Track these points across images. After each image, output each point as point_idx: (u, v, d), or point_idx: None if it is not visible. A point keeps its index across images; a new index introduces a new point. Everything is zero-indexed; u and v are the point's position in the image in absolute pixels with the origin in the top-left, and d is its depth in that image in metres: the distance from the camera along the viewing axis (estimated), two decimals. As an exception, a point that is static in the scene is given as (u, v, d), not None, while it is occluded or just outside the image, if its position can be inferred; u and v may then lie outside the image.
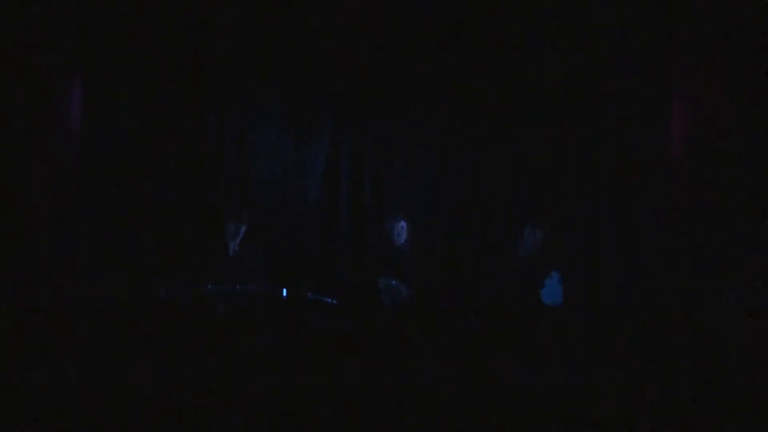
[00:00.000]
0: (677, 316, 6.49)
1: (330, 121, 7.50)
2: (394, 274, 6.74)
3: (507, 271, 6.75)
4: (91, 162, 6.88)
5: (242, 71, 7.31)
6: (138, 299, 6.74)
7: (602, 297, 6.90)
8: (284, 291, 6.28)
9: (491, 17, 6.94)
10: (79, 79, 6.76)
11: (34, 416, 4.86)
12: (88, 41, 6.67)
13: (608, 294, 6.91)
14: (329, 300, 6.55)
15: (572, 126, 7.29)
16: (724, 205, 6.28)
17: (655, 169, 6.94)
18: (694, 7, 6.40)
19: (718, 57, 6.40)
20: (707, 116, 6.44)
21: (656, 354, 6.45)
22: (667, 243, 6.74)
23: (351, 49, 7.22)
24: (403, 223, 6.86)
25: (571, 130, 7.29)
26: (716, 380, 5.49)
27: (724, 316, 6.10)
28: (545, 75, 7.22)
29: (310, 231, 7.43)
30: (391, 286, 6.66)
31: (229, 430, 4.77)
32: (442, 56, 7.22)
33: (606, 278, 7.03)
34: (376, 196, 7.49)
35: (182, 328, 6.37)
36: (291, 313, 6.55)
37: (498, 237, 7.32)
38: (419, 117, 7.48)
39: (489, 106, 7.37)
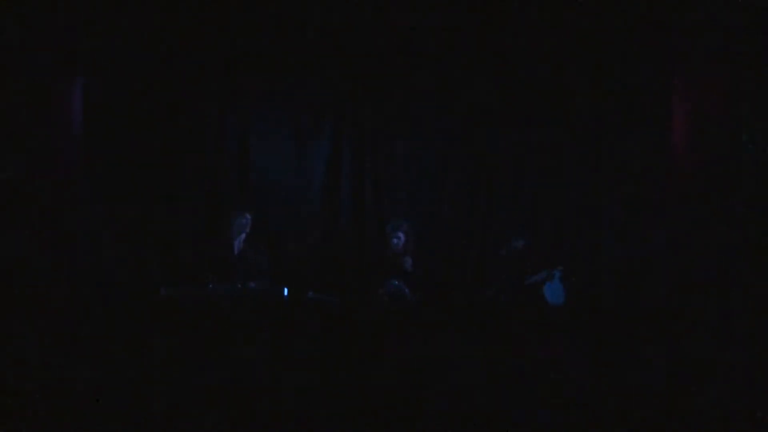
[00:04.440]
0: (678, 316, 6.49)
1: (331, 121, 7.51)
2: (395, 276, 6.74)
3: (507, 271, 6.77)
4: (92, 162, 6.89)
5: (244, 71, 7.31)
6: (138, 298, 6.75)
7: (603, 297, 6.89)
8: (285, 290, 6.28)
9: (491, 17, 6.93)
10: (79, 79, 6.76)
11: (35, 416, 4.87)
12: (88, 41, 6.67)
13: (608, 294, 6.91)
14: (329, 299, 6.55)
15: (573, 127, 7.28)
16: (724, 204, 6.27)
17: (655, 169, 6.94)
18: (694, 7, 6.39)
19: (718, 56, 6.39)
20: (708, 116, 6.43)
21: (658, 354, 6.47)
22: (668, 243, 6.74)
23: (352, 50, 7.21)
24: (401, 234, 6.84)
25: (571, 130, 7.29)
26: (716, 380, 5.50)
27: (724, 316, 6.10)
28: (546, 76, 7.21)
29: (311, 230, 7.43)
30: (394, 286, 6.66)
31: (229, 429, 4.77)
32: (443, 58, 7.22)
33: (606, 278, 7.03)
34: (377, 196, 7.49)
35: (183, 327, 6.37)
36: (291, 312, 6.55)
37: (499, 238, 7.32)
38: (420, 117, 7.48)
39: (489, 106, 7.36)
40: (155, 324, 6.53)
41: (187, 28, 6.95)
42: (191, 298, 6.26)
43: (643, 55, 6.86)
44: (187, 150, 7.30)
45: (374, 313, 6.64)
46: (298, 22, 6.94)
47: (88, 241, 6.82)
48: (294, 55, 7.19)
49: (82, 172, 6.78)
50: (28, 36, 6.26)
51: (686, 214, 6.49)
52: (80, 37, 6.57)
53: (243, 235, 6.77)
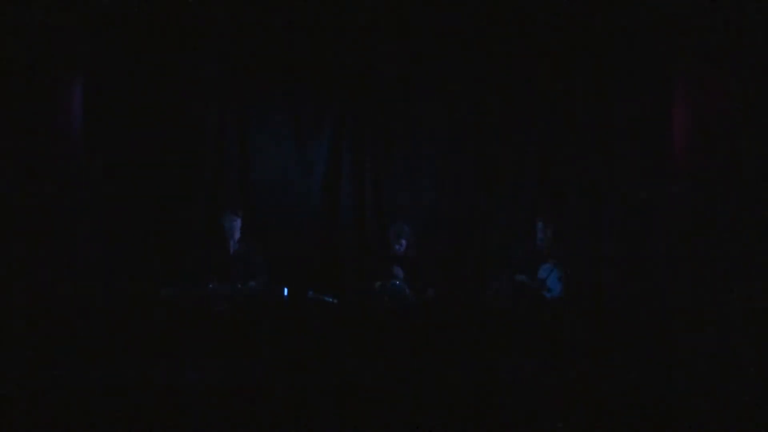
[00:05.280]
0: (678, 314, 6.51)
1: (331, 122, 7.51)
2: (396, 276, 6.74)
3: (507, 271, 6.78)
4: (92, 162, 6.89)
5: (244, 72, 7.32)
6: (138, 299, 6.75)
7: (603, 292, 6.89)
8: (285, 290, 6.28)
9: (491, 19, 6.94)
10: (79, 79, 6.76)
11: (35, 416, 4.86)
12: (88, 41, 6.67)
13: (608, 289, 6.91)
14: (329, 299, 6.56)
15: (573, 127, 7.28)
16: (725, 203, 6.29)
17: (655, 169, 6.94)
18: (695, 7, 6.39)
19: (719, 56, 6.40)
20: (708, 115, 6.44)
21: (657, 351, 6.48)
22: (668, 242, 6.75)
23: (352, 50, 7.21)
24: (403, 240, 6.86)
25: (572, 130, 7.29)
26: (716, 378, 5.50)
27: (726, 315, 6.11)
28: (546, 76, 7.21)
29: (311, 230, 7.43)
30: (395, 287, 6.66)
31: (229, 430, 4.77)
32: (443, 58, 7.22)
33: (606, 274, 7.02)
34: (376, 196, 7.49)
35: (182, 328, 6.38)
36: (291, 312, 6.56)
37: (499, 238, 7.32)
38: (420, 118, 7.48)
39: (490, 106, 7.36)
40: (155, 324, 6.55)
41: (187, 28, 6.96)
42: (191, 298, 6.27)
43: (643, 56, 6.86)
44: (187, 150, 7.30)
45: (374, 313, 6.66)
46: (299, 22, 6.94)
47: (88, 241, 6.83)
48: (294, 55, 7.19)
49: (82, 172, 6.79)
50: (28, 36, 6.27)
51: (686, 213, 6.50)
52: (80, 37, 6.58)
53: (237, 235, 6.78)
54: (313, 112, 7.49)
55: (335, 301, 6.61)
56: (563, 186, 7.28)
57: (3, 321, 6.08)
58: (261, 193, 7.39)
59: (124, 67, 6.95)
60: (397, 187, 7.46)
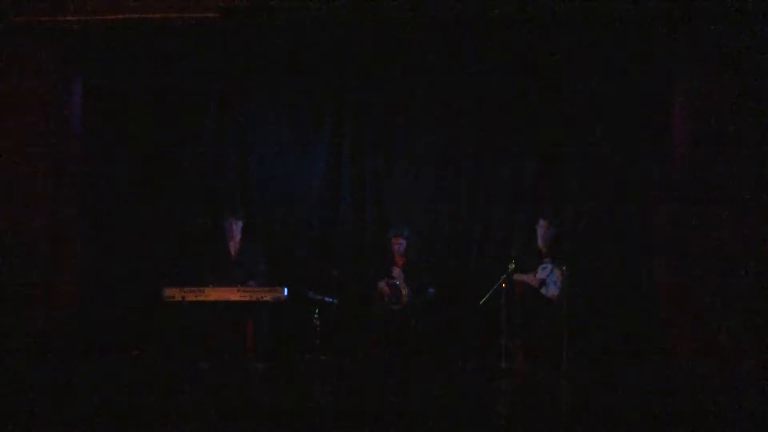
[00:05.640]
0: (677, 314, 6.52)
1: (331, 122, 7.50)
2: (396, 276, 6.74)
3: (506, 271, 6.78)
4: (93, 162, 6.91)
5: (244, 72, 7.32)
6: (138, 299, 6.76)
7: (602, 292, 6.89)
8: (285, 290, 6.29)
9: (492, 20, 6.93)
10: (79, 79, 6.78)
11: (35, 416, 4.87)
12: (88, 41, 6.68)
13: (608, 289, 6.92)
14: (329, 299, 6.56)
15: (573, 127, 7.28)
16: (725, 203, 6.30)
17: (655, 168, 6.96)
18: (695, 7, 6.40)
19: (718, 59, 6.41)
20: (708, 115, 6.45)
21: (657, 352, 6.49)
22: (668, 242, 6.77)
23: (352, 51, 7.22)
24: (403, 241, 6.86)
25: (571, 130, 7.29)
26: (716, 378, 5.51)
27: (725, 315, 6.13)
28: (547, 76, 7.21)
29: (311, 230, 7.43)
30: (395, 287, 6.67)
31: (229, 429, 4.77)
32: (444, 61, 7.22)
33: (606, 274, 7.03)
34: (377, 196, 7.49)
35: (183, 328, 6.39)
36: (291, 312, 6.57)
37: (499, 238, 7.32)
38: (421, 118, 7.47)
39: (490, 107, 7.36)
40: (155, 324, 6.56)
41: (187, 29, 6.96)
42: (191, 298, 6.27)
43: (643, 57, 6.87)
44: (187, 152, 7.30)
45: (374, 313, 6.67)
46: (298, 22, 6.94)
47: (88, 241, 6.85)
48: (294, 55, 7.19)
49: (83, 172, 6.80)
50: (29, 36, 6.29)
51: (686, 213, 6.51)
52: (80, 37, 6.59)
53: (238, 237, 6.78)
54: (313, 112, 7.49)
55: (335, 301, 6.62)
56: (563, 186, 7.29)
57: (3, 321, 6.09)
58: (261, 194, 7.39)
59: (124, 68, 6.95)
60: (397, 187, 7.45)
